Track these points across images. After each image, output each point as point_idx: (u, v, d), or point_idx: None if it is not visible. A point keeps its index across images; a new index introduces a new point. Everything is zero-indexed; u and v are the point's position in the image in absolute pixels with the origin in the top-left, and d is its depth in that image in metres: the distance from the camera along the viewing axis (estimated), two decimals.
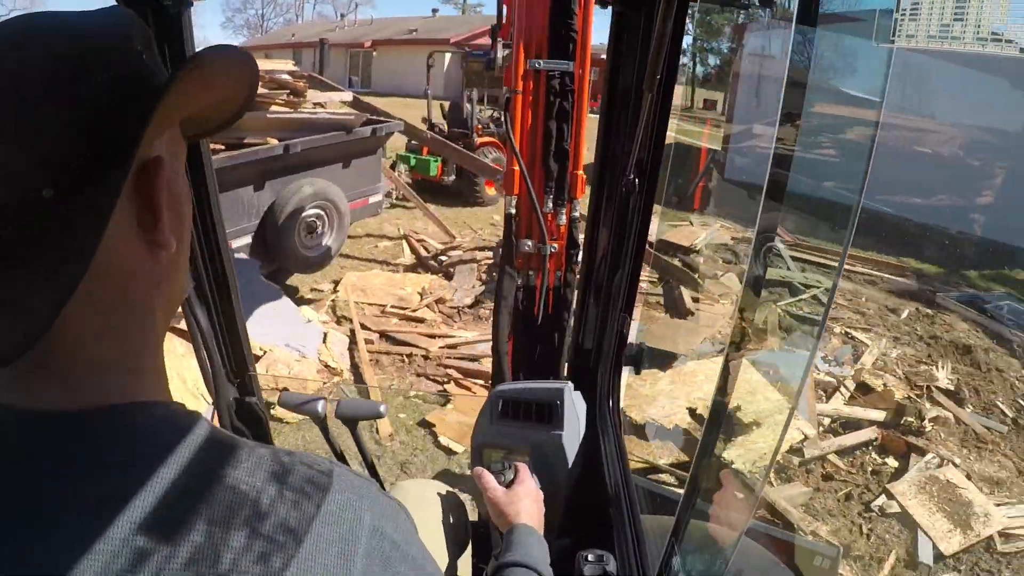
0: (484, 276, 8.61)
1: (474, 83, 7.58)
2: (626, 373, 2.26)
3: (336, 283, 8.41)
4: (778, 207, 1.48)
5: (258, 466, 0.70)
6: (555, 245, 2.52)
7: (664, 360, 6.44)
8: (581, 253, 2.39)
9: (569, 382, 2.16)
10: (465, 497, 2.30)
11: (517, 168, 2.48)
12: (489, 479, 1.65)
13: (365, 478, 0.80)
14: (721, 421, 1.56)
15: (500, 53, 2.68)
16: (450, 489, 2.13)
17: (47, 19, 0.67)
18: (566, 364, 2.54)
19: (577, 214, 2.55)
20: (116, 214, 0.64)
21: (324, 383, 6.05)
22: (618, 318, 2.03)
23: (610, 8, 1.78)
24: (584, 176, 2.55)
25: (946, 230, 8.37)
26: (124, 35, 0.70)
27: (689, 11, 1.61)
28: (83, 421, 0.67)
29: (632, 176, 1.75)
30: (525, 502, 1.59)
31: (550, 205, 2.51)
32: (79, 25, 0.68)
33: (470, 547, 2.04)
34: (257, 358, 5.76)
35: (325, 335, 6.72)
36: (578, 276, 2.51)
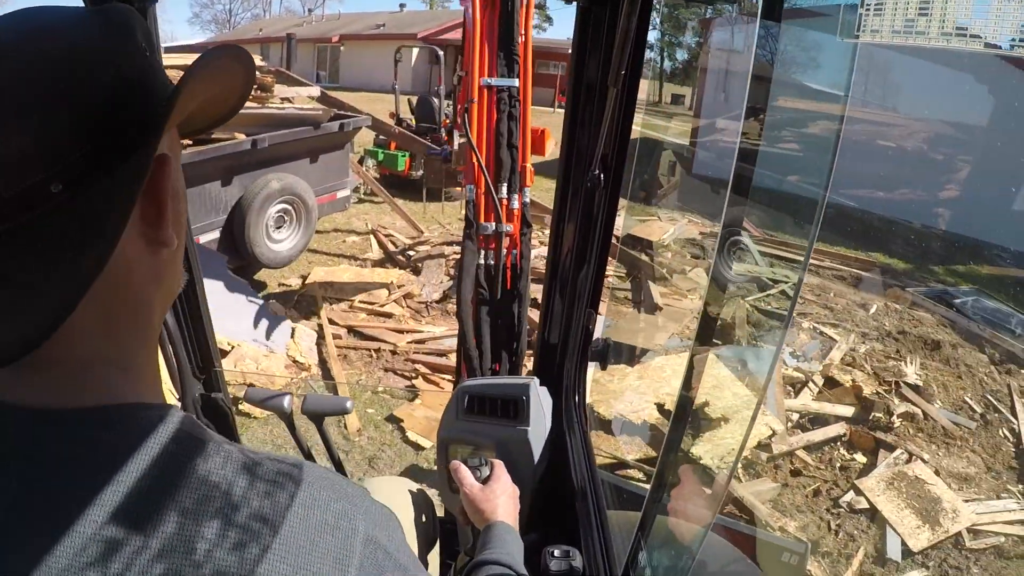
0: (452, 271, 8.58)
1: (431, 182, 7.81)
2: (592, 368, 2.26)
3: (304, 278, 8.39)
4: (743, 201, 1.48)
5: (227, 460, 0.70)
6: (510, 226, 2.92)
7: (631, 355, 6.46)
8: (532, 232, 2.95)
9: (535, 378, 2.16)
10: (432, 493, 2.30)
11: (476, 163, 2.91)
12: (467, 474, 1.66)
13: (353, 485, 0.80)
14: (687, 416, 1.56)
15: (455, 147, 4.30)
16: (419, 487, 2.13)
17: (57, 13, 0.68)
18: (532, 354, 2.60)
19: (528, 200, 3.00)
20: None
21: (292, 379, 6.04)
22: (584, 313, 2.03)
23: (575, 4, 1.77)
24: (532, 168, 3.04)
25: (914, 225, 8.43)
26: (130, 33, 0.71)
27: (654, 6, 1.60)
28: (71, 421, 0.67)
29: (597, 171, 1.74)
30: (502, 499, 1.60)
31: (504, 192, 2.92)
32: (88, 22, 0.69)
33: (438, 544, 2.04)
34: (225, 353, 5.74)
35: (293, 330, 6.70)
36: (532, 253, 2.92)
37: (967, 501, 4.85)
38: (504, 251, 2.92)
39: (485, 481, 1.67)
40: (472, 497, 1.61)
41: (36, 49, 0.63)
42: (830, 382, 6.22)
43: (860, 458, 5.33)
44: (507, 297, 2.89)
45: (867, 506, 4.80)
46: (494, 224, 2.92)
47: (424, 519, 1.99)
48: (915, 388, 6.14)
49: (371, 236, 10.41)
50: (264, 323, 6.49)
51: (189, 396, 2.36)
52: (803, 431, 5.56)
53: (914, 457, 5.26)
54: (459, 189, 12.89)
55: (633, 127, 1.79)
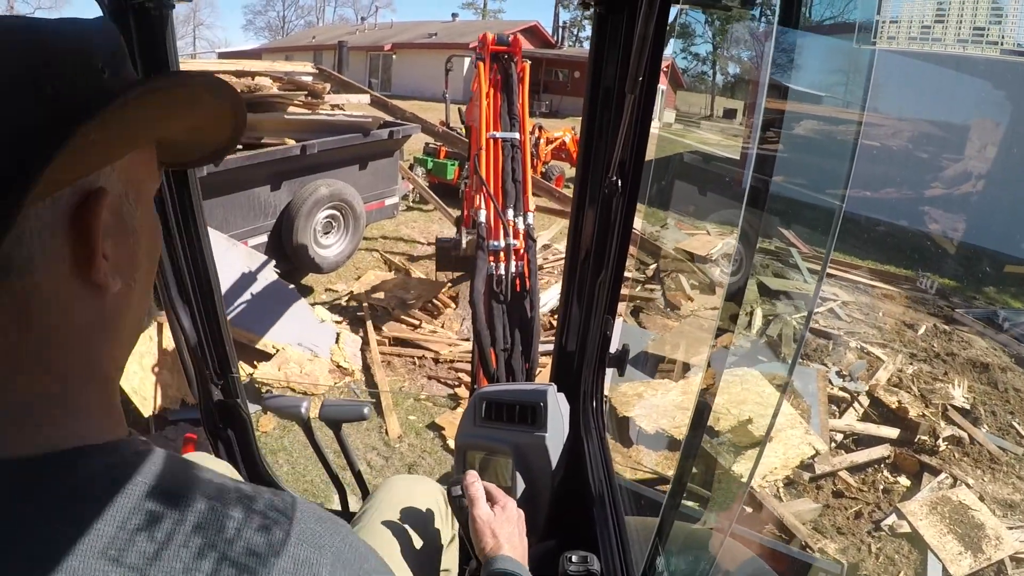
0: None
1: (443, 267, 7.94)
2: (610, 375, 2.25)
3: (358, 278, 8.45)
4: (759, 212, 1.47)
5: (180, 522, 0.64)
6: (516, 241, 3.56)
7: (652, 362, 6.44)
8: (538, 246, 3.42)
9: (552, 383, 2.16)
10: None
11: (486, 193, 3.75)
12: (480, 494, 1.57)
13: (331, 519, 0.75)
14: (705, 422, 1.55)
15: (464, 239, 5.77)
16: (439, 486, 2.13)
17: (8, 23, 0.63)
18: (549, 363, 2.64)
19: (531, 221, 3.74)
20: (51, 245, 0.63)
21: (335, 383, 6.08)
22: (601, 319, 2.03)
23: (593, 10, 1.78)
24: (533, 196, 3.89)
25: (965, 244, 8.28)
26: (82, 49, 0.65)
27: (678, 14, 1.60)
28: (12, 472, 0.62)
29: (615, 178, 1.75)
30: (507, 530, 1.52)
31: (511, 215, 3.66)
32: (38, 35, 0.63)
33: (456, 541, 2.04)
34: (269, 356, 5.80)
35: (338, 335, 6.74)
36: (539, 261, 3.28)
37: (1011, 528, 4.74)
38: (513, 260, 3.50)
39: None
40: (486, 524, 1.51)
41: None
42: (876, 403, 6.12)
43: (904, 481, 5.24)
44: (518, 296, 3.36)
45: (909, 530, 4.70)
46: (503, 241, 3.55)
47: (442, 516, 1.98)
48: (962, 411, 6.02)
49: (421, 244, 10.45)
50: (309, 327, 6.54)
51: (207, 402, 2.38)
52: (847, 452, 5.47)
53: (959, 482, 5.15)
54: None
55: (673, 141, 1.79)
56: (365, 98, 9.06)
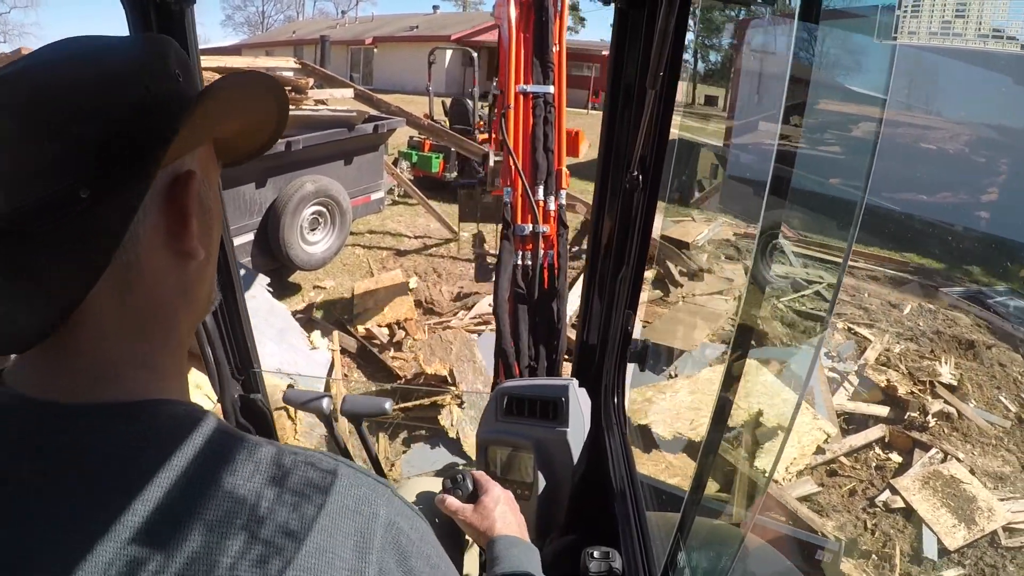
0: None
1: (467, 216, 7.79)
2: (631, 370, 2.26)
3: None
4: (782, 203, 1.48)
5: (256, 470, 0.70)
6: (547, 227, 2.99)
7: (671, 358, 6.45)
8: (569, 233, 2.98)
9: (574, 379, 2.16)
10: None
11: (513, 166, 3.01)
12: (452, 501, 1.61)
13: (378, 478, 0.80)
14: (726, 418, 1.55)
15: (491, 165, 4.57)
16: None
17: (99, 41, 0.74)
18: (571, 358, 2.59)
19: (564, 202, 3.06)
20: (149, 220, 0.72)
21: (335, 378, 6.07)
22: (623, 315, 2.03)
23: (611, 6, 1.78)
24: (567, 171, 3.11)
25: (949, 226, 8.35)
26: (162, 59, 0.75)
27: (692, 8, 1.61)
28: (92, 416, 0.68)
29: (636, 173, 1.75)
30: (497, 510, 1.55)
31: (541, 195, 2.98)
32: (125, 46, 0.75)
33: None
34: None
35: (332, 365, 6.67)
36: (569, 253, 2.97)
37: (1002, 500, 4.83)
38: (541, 251, 2.97)
39: (472, 496, 1.62)
40: (466, 521, 1.56)
41: (72, 69, 0.69)
42: (865, 382, 6.19)
43: (895, 457, 5.31)
44: (546, 296, 2.93)
45: (903, 505, 4.78)
46: (531, 225, 2.98)
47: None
48: (950, 388, 6.10)
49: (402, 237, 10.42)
50: (300, 355, 6.42)
51: (228, 397, 2.38)
52: (842, 432, 5.53)
53: (949, 456, 5.23)
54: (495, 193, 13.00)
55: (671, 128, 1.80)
56: (349, 92, 9.02)
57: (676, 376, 6.22)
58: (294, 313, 7.42)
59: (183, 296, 0.79)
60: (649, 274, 8.62)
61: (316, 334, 7.06)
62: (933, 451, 5.25)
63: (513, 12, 3.20)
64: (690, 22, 1.71)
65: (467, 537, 2.02)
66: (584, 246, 8.61)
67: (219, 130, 0.83)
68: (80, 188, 0.65)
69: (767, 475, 4.02)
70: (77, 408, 0.68)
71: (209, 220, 0.81)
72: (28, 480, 0.64)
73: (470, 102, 13.00)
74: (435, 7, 53.25)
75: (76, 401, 0.69)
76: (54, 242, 0.66)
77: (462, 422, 5.50)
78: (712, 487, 1.68)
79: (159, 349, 0.77)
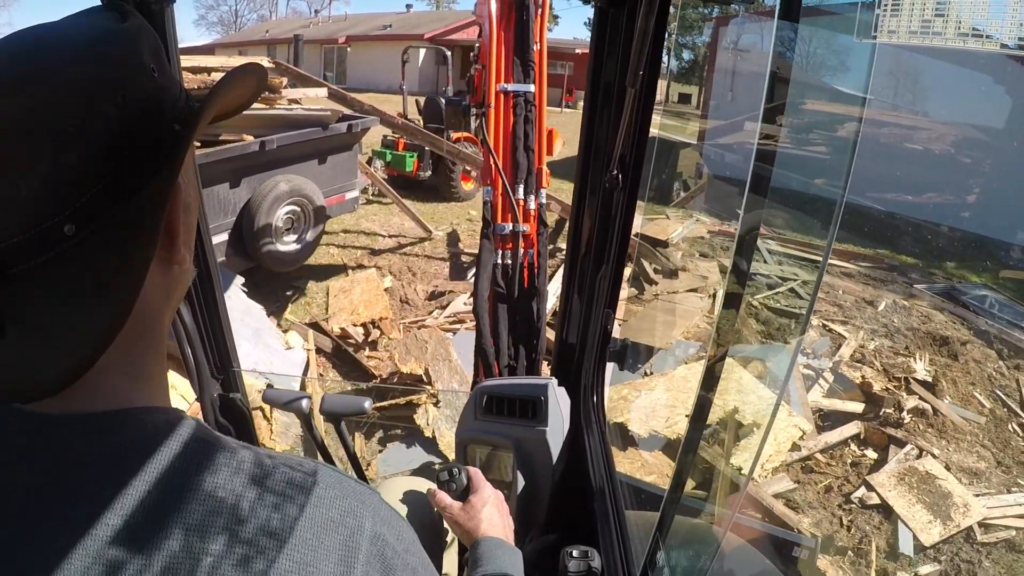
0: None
1: (452, 125, 7.79)
2: (610, 369, 2.26)
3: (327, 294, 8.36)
4: (761, 202, 1.48)
5: (237, 472, 0.69)
6: (527, 226, 3.02)
7: (646, 354, 6.46)
8: (548, 232, 3.02)
9: (553, 378, 2.16)
10: None
11: (493, 165, 3.01)
12: (443, 497, 1.59)
13: (363, 485, 0.79)
14: (706, 417, 1.56)
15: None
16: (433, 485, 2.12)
17: (57, 41, 0.67)
18: (550, 356, 2.59)
19: (544, 201, 3.10)
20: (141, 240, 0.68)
21: (311, 377, 6.04)
22: (602, 314, 2.03)
23: (590, 5, 1.78)
24: (548, 170, 3.14)
25: (922, 222, 8.43)
26: (134, 58, 0.70)
27: (671, 7, 1.60)
28: (75, 426, 0.67)
29: (616, 171, 1.75)
30: (484, 512, 1.54)
31: (521, 193, 3.02)
32: (87, 53, 0.67)
33: (457, 543, 2.04)
34: None
35: (307, 364, 6.68)
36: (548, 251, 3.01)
37: (978, 495, 4.86)
38: (521, 250, 3.00)
39: (464, 492, 1.61)
40: (454, 518, 1.55)
41: (34, 89, 0.62)
42: (840, 379, 6.23)
43: (871, 454, 5.34)
44: (525, 295, 2.95)
45: (879, 502, 4.80)
46: (511, 225, 3.00)
47: (438, 517, 1.97)
48: (924, 384, 6.14)
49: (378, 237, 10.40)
50: (276, 355, 6.45)
51: (207, 396, 2.36)
52: (817, 429, 5.56)
53: (924, 452, 5.26)
54: (468, 188, 12.94)
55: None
56: (322, 91, 8.95)
57: (651, 373, 6.25)
58: (269, 313, 7.40)
59: (167, 299, 0.78)
60: (625, 272, 8.64)
61: (291, 334, 7.03)
62: (908, 447, 5.29)
63: (494, 7, 3.20)
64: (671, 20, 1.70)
65: (449, 537, 2.03)
66: (559, 244, 8.63)
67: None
68: (64, 224, 0.62)
69: (747, 474, 4.04)
70: (60, 418, 0.67)
71: (190, 219, 0.79)
72: (10, 490, 0.64)
73: (443, 101, 12.97)
74: (408, 6, 53.22)
75: (62, 411, 0.67)
76: (49, 287, 0.63)
77: (438, 421, 5.48)
78: (691, 486, 1.68)
79: (143, 353, 0.75)
